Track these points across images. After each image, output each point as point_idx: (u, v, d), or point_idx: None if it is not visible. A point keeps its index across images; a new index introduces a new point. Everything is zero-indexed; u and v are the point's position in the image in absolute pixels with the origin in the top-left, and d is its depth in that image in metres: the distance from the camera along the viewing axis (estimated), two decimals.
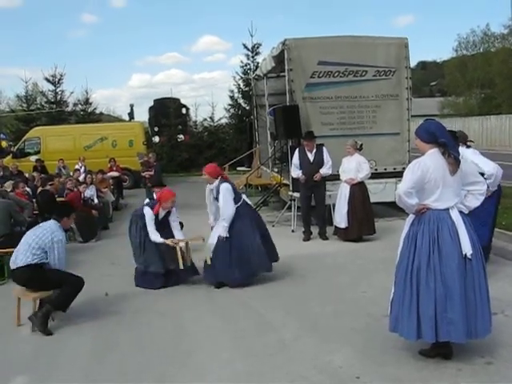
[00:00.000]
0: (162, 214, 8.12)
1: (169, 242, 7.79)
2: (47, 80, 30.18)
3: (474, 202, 4.99)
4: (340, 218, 10.26)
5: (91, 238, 11.89)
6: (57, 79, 30.29)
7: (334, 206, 10.73)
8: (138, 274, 8.24)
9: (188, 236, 8.34)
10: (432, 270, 4.72)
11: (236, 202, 7.75)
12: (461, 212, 4.86)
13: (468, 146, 7.70)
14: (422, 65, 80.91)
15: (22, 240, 6.61)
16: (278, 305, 6.87)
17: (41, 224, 6.85)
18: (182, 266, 7.64)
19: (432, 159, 4.77)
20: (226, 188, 7.67)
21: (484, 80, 50.28)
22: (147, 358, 5.41)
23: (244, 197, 8.06)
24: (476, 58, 52.17)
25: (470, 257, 4.70)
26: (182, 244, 7.76)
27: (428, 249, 4.76)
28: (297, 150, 10.80)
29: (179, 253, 7.63)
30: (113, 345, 5.83)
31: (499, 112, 41.17)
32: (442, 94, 61.89)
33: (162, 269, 7.93)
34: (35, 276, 6.45)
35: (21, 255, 6.46)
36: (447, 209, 4.80)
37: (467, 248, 4.69)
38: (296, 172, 10.74)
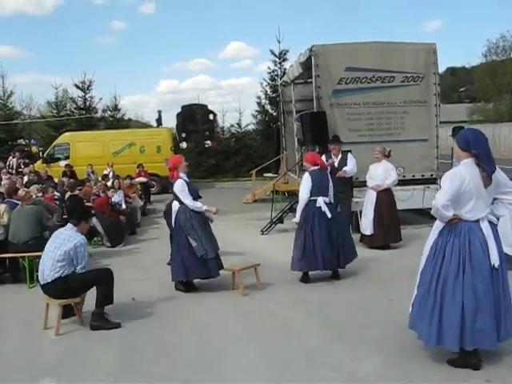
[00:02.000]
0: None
1: (212, 209, 8.15)
2: (77, 86, 30.60)
3: (504, 210, 4.98)
4: (366, 225, 10.20)
5: (119, 243, 11.98)
6: (86, 85, 30.68)
7: (360, 212, 10.67)
8: (192, 266, 7.89)
9: None
10: (460, 282, 4.73)
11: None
12: (490, 222, 4.84)
13: None
14: (451, 70, 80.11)
15: (45, 254, 6.65)
16: (303, 312, 6.84)
17: (58, 232, 6.83)
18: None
19: (468, 170, 4.73)
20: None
21: None
22: (172, 364, 5.42)
23: None
24: (506, 63, 51.40)
25: (497, 267, 4.73)
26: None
27: (458, 261, 4.76)
28: (323, 155, 10.75)
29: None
30: (138, 349, 5.86)
31: None
32: (471, 100, 61.16)
33: (214, 252, 8.02)
34: (64, 288, 6.53)
35: (47, 270, 6.52)
36: (478, 220, 4.79)
37: (495, 259, 4.72)
38: None
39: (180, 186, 7.91)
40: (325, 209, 8.13)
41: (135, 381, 5.10)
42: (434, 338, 4.83)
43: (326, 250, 8.03)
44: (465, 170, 4.74)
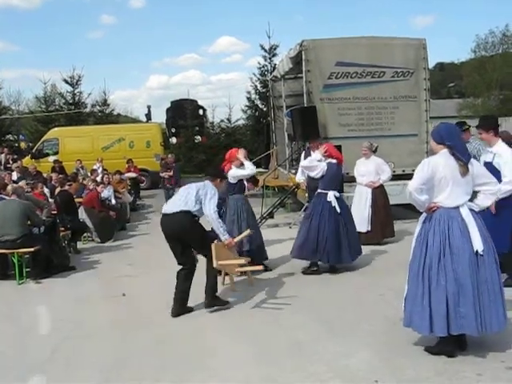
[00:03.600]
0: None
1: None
2: (65, 81, 30.36)
3: (486, 201, 5.16)
4: (360, 222, 10.11)
5: (109, 239, 11.94)
6: (75, 80, 30.45)
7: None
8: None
9: None
10: (443, 268, 4.87)
11: None
12: (472, 210, 4.99)
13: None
14: (440, 66, 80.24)
15: (178, 195, 7.08)
16: (295, 306, 6.84)
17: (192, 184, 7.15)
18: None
19: (442, 158, 4.96)
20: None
21: (503, 81, 49.69)
22: (164, 360, 5.40)
23: None
24: (495, 58, 51.59)
25: (481, 253, 4.84)
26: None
27: (439, 247, 4.92)
28: (303, 152, 10.69)
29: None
30: (130, 346, 5.83)
31: None
32: (460, 96, 61.31)
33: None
34: (190, 225, 6.73)
35: (178, 202, 6.80)
36: (457, 207, 4.96)
37: (478, 245, 4.84)
38: (299, 177, 10.29)
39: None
40: (335, 203, 8.15)
41: (127, 377, 5.06)
42: (428, 327, 4.92)
43: (329, 243, 8.07)
44: (438, 158, 4.97)
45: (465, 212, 4.94)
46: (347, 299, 7.00)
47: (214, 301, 6.87)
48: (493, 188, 5.15)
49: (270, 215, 12.69)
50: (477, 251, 4.84)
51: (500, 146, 6.76)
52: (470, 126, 8.60)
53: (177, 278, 6.84)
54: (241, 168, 8.44)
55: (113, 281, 8.54)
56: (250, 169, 8.39)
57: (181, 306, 6.68)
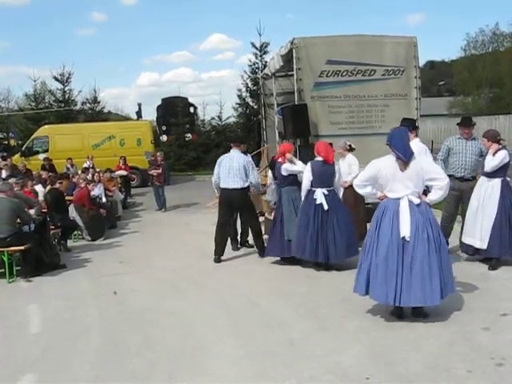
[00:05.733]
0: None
1: None
2: (55, 79, 30.24)
3: (435, 196, 6.00)
4: None
5: (99, 237, 11.91)
6: (65, 78, 30.33)
7: None
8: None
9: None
10: (373, 243, 5.99)
11: None
12: (411, 202, 5.86)
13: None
14: (431, 64, 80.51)
15: (228, 170, 9.15)
16: (286, 304, 6.85)
17: (226, 156, 9.37)
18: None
19: (386, 159, 6.03)
20: None
21: (493, 79, 49.92)
22: (155, 358, 5.40)
23: None
24: (485, 57, 51.83)
25: (407, 239, 5.76)
26: None
27: (372, 230, 6.08)
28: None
29: None
30: (121, 344, 5.82)
31: (508, 112, 40.88)
32: (450, 94, 61.53)
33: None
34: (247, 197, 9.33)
35: (234, 177, 9.09)
36: (398, 198, 5.90)
37: (405, 232, 5.77)
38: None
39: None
40: (321, 201, 8.14)
41: (118, 375, 5.06)
42: (356, 287, 6.23)
43: (315, 241, 8.07)
44: (383, 161, 6.05)
45: (403, 203, 5.86)
46: (336, 297, 7.01)
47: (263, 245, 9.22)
48: (440, 183, 5.91)
49: (261, 213, 12.69)
50: (403, 237, 5.77)
51: (413, 143, 7.06)
52: (474, 123, 8.85)
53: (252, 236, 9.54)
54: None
55: (103, 279, 8.52)
56: (301, 166, 8.63)
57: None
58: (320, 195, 8.15)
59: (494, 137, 8.03)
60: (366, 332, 5.72)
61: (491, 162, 7.76)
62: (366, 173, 6.15)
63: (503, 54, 48.91)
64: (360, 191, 6.31)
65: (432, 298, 5.72)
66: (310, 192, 8.27)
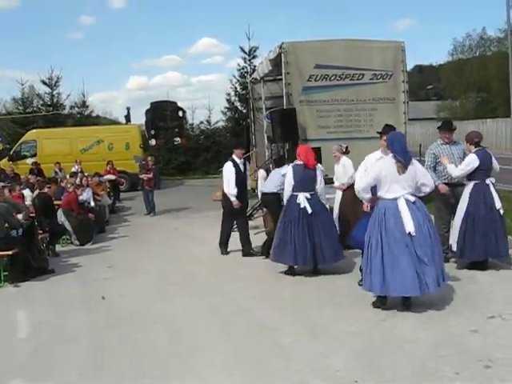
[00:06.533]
0: None
1: None
2: (44, 82, 30.19)
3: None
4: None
5: (88, 242, 11.86)
6: (53, 82, 30.29)
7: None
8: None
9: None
10: (380, 243, 6.26)
11: None
12: (408, 200, 6.27)
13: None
14: (419, 68, 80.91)
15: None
16: (275, 308, 6.86)
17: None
18: None
19: (386, 161, 6.47)
20: None
21: (480, 84, 50.28)
22: (144, 363, 5.38)
23: None
24: (471, 61, 52.21)
25: (413, 234, 6.16)
26: None
27: (376, 230, 6.33)
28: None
29: None
30: (109, 348, 5.80)
31: (495, 115, 41.15)
32: (438, 98, 61.93)
33: None
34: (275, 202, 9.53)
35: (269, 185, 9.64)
36: (395, 198, 6.29)
37: (410, 228, 6.16)
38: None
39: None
40: (304, 204, 8.13)
41: (106, 380, 5.04)
42: (368, 285, 6.43)
43: (300, 246, 8.05)
44: (382, 163, 6.50)
45: (401, 203, 6.26)
46: (326, 300, 7.03)
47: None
48: (427, 190, 6.56)
49: (249, 217, 12.69)
50: (409, 232, 6.15)
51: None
52: (455, 128, 8.79)
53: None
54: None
55: (92, 284, 8.49)
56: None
57: None
58: (303, 199, 8.15)
59: (471, 139, 8.12)
60: (354, 336, 5.73)
61: (453, 170, 8.07)
62: (369, 177, 6.55)
63: (490, 58, 49.29)
64: (365, 196, 6.67)
65: (440, 283, 6.27)
66: (292, 197, 8.27)
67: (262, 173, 10.02)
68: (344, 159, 9.94)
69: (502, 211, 7.96)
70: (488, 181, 7.98)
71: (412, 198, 6.33)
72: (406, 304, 6.34)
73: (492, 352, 5.09)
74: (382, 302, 6.44)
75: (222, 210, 10.21)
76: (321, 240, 8.11)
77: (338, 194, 10.05)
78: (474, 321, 5.92)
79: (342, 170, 9.90)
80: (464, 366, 4.84)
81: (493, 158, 8.08)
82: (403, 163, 6.28)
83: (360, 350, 5.37)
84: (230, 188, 9.70)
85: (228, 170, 9.89)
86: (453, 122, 9.07)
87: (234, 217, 10.00)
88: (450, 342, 5.39)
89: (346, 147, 10.11)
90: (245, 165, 10.02)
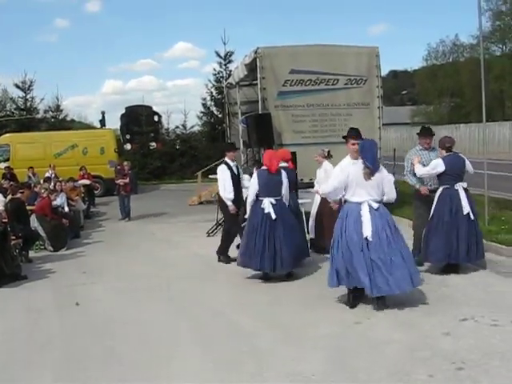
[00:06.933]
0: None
1: None
2: (17, 86, 29.90)
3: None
4: (310, 228, 10.11)
5: (62, 247, 11.73)
6: (27, 86, 30.01)
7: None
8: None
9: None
10: (340, 243, 6.65)
11: None
12: (371, 206, 6.56)
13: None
14: (393, 74, 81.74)
15: None
16: (249, 313, 6.85)
17: None
18: None
19: (354, 167, 6.70)
20: None
21: (454, 89, 51.00)
22: (118, 369, 5.33)
23: None
24: (445, 67, 52.93)
25: (370, 238, 6.45)
26: None
27: (339, 230, 6.70)
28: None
29: None
30: (83, 356, 5.73)
31: (469, 120, 41.75)
32: (412, 103, 62.60)
33: None
34: None
35: None
36: (359, 203, 6.60)
37: (367, 233, 6.47)
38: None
39: None
40: (269, 210, 8.12)
41: None
42: (334, 281, 6.75)
43: (263, 251, 8.03)
44: (351, 167, 6.72)
45: (364, 208, 6.55)
46: (301, 304, 7.04)
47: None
48: (389, 199, 6.79)
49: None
50: (366, 237, 6.45)
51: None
52: (434, 133, 8.85)
53: None
54: None
55: (66, 290, 8.40)
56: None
57: None
58: (268, 204, 8.15)
59: (443, 144, 8.25)
60: (329, 339, 5.74)
61: (419, 169, 8.26)
62: (337, 180, 6.79)
63: (463, 64, 50.02)
64: (333, 198, 7.22)
65: (397, 288, 6.41)
66: (258, 202, 8.28)
67: (247, 177, 9.88)
68: (326, 164, 9.98)
69: (472, 216, 8.00)
70: (458, 186, 8.02)
71: (375, 205, 6.61)
72: (378, 302, 6.55)
73: (464, 354, 5.15)
74: (353, 299, 6.74)
75: (222, 215, 10.24)
76: (281, 245, 8.05)
77: (317, 198, 10.08)
78: (447, 323, 5.98)
79: (324, 175, 9.93)
80: (437, 368, 4.89)
81: (466, 162, 8.14)
82: (371, 170, 6.54)
83: (335, 352, 5.39)
84: (227, 192, 9.48)
85: (223, 173, 9.64)
86: (431, 128, 9.13)
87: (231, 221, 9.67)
88: (424, 344, 5.44)
89: (328, 151, 10.15)
90: (237, 167, 9.79)
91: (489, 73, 37.40)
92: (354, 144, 7.10)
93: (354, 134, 7.29)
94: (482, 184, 10.59)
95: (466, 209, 7.93)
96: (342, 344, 5.59)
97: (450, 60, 54.57)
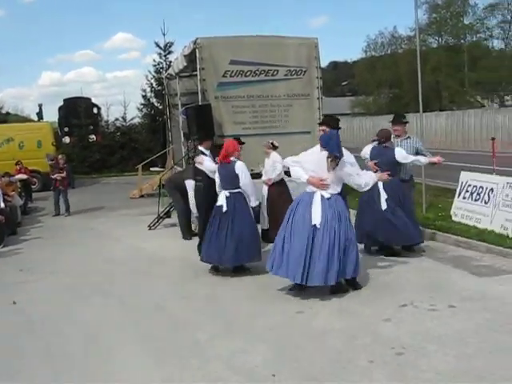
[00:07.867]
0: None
1: None
2: None
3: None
4: (262, 220, 10.10)
5: None
6: None
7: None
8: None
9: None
10: (286, 232, 6.78)
11: None
12: (322, 196, 6.64)
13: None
14: (334, 65, 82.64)
15: None
16: (190, 306, 6.82)
17: None
18: None
19: (318, 155, 6.69)
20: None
21: (392, 80, 51.83)
22: (57, 367, 5.21)
23: None
24: (384, 58, 53.81)
25: (318, 226, 6.54)
26: None
27: (288, 217, 6.85)
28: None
29: None
30: (21, 355, 5.57)
31: (407, 111, 42.48)
32: (352, 94, 63.44)
33: None
34: None
35: None
36: (312, 192, 6.70)
37: (316, 221, 6.56)
38: None
39: None
40: (222, 202, 8.03)
41: None
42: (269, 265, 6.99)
43: (213, 242, 7.99)
44: (316, 155, 6.74)
45: (316, 197, 6.65)
46: (244, 297, 7.04)
47: None
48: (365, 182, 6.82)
49: (167, 215, 12.59)
50: (314, 225, 6.54)
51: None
52: (407, 121, 9.08)
53: None
54: None
55: (2, 288, 8.15)
56: None
57: None
58: (222, 197, 8.10)
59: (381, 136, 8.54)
60: (272, 330, 5.76)
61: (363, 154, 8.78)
62: (297, 157, 7.01)
63: (401, 55, 50.86)
64: (291, 169, 7.03)
65: (328, 279, 6.49)
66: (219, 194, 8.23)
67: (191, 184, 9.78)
68: (274, 154, 10.03)
69: (384, 205, 8.21)
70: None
71: (327, 195, 6.67)
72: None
73: (404, 339, 5.27)
74: (297, 289, 6.88)
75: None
76: (226, 240, 7.94)
77: (265, 190, 10.10)
78: (387, 310, 6.11)
79: (270, 166, 9.99)
80: (377, 354, 4.98)
81: (395, 153, 8.29)
82: (338, 157, 6.51)
83: (277, 343, 5.41)
84: (212, 167, 8.58)
85: (204, 159, 8.90)
86: (404, 115, 9.16)
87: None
88: (365, 331, 5.53)
89: (272, 143, 10.17)
90: (214, 157, 8.94)
91: (426, 64, 38.27)
92: (322, 131, 7.26)
93: (328, 120, 7.46)
94: (419, 173, 10.82)
95: (384, 197, 8.26)
96: (284, 334, 5.62)
97: (389, 52, 55.43)
